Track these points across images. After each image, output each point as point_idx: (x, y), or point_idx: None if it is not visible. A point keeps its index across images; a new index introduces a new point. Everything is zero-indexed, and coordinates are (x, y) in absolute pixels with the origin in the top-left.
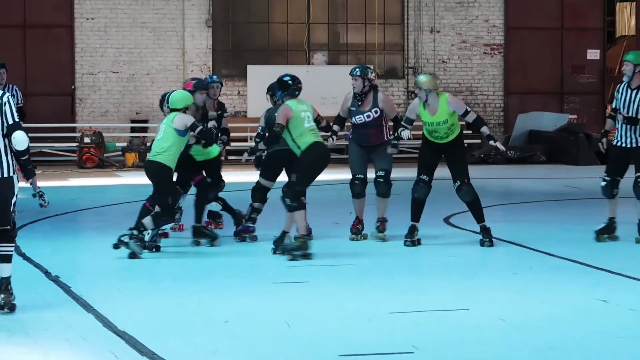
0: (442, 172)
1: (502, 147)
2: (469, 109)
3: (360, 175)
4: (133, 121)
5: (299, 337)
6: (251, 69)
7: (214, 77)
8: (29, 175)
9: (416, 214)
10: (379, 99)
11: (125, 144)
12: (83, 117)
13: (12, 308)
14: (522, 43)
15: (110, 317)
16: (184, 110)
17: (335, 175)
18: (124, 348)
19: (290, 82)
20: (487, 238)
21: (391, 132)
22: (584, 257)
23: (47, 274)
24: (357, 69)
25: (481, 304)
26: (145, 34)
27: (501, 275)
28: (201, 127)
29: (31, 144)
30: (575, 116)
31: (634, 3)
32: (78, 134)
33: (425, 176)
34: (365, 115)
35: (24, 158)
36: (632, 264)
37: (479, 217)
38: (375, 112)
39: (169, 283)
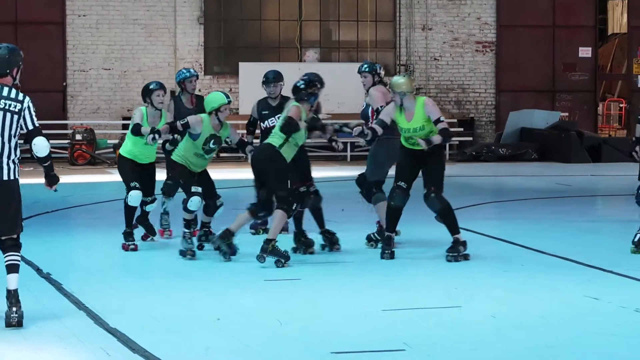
0: None
1: (424, 147)
2: (442, 119)
3: (361, 172)
4: (125, 118)
5: (291, 334)
6: (243, 66)
7: (191, 70)
8: (52, 181)
9: (393, 224)
10: (369, 92)
11: (116, 141)
12: (74, 114)
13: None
14: (514, 41)
15: (102, 315)
16: (216, 112)
17: (329, 172)
18: (115, 345)
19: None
20: (453, 253)
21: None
22: (575, 254)
23: (38, 271)
24: (366, 66)
25: (473, 302)
26: (137, 31)
27: (493, 272)
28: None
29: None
30: (566, 114)
31: (626, 1)
32: (69, 131)
33: (403, 183)
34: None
35: (46, 164)
36: (623, 261)
37: (452, 229)
38: (362, 105)
39: (160, 281)
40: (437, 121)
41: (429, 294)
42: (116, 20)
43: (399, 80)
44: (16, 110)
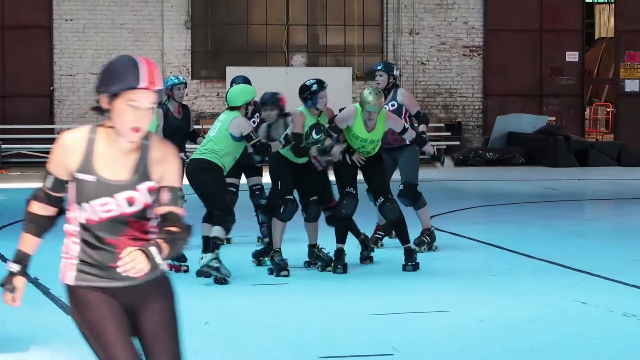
0: (421, 173)
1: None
2: (406, 126)
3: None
4: None
5: (279, 338)
6: (230, 70)
7: (179, 77)
8: None
9: (342, 235)
10: (398, 92)
11: None
12: (62, 119)
13: None
14: (501, 45)
15: None
16: (246, 106)
17: None
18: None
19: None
20: (410, 262)
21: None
22: (563, 258)
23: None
24: (382, 64)
25: (461, 306)
26: (124, 35)
27: (481, 277)
28: (256, 140)
29: (10, 146)
30: (554, 118)
31: (613, 5)
32: (56, 136)
33: (352, 189)
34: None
35: None
36: (610, 265)
37: (404, 238)
38: (392, 105)
39: None
40: (404, 130)
41: (416, 298)
42: (103, 24)
43: (372, 99)
44: None
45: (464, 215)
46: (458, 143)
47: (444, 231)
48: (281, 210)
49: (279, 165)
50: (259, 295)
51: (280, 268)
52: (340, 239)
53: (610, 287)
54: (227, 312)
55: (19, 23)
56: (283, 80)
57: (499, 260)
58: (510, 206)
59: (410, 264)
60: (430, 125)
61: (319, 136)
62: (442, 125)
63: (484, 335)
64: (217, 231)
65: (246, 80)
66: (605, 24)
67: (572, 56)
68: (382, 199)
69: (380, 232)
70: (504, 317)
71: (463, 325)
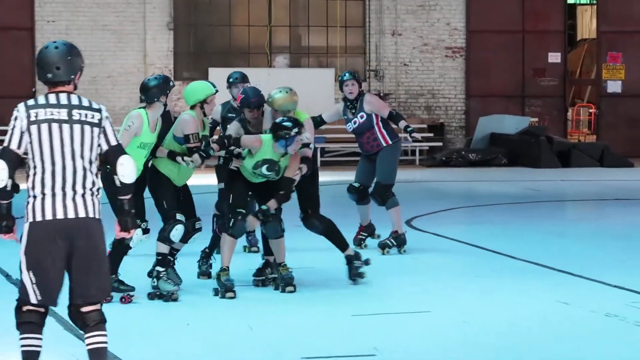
0: (400, 174)
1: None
2: (311, 146)
3: (354, 184)
4: None
5: (262, 340)
6: (213, 72)
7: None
8: (131, 224)
9: (339, 242)
10: (364, 101)
11: None
12: None
13: None
14: (483, 46)
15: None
16: (201, 105)
17: None
18: (85, 352)
19: None
20: (356, 275)
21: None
22: (545, 259)
23: (7, 277)
24: (350, 74)
25: (443, 307)
26: (107, 37)
27: (463, 277)
28: (196, 143)
29: None
30: (536, 119)
31: (595, 6)
32: None
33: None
34: (352, 122)
35: (126, 197)
36: (592, 266)
37: (340, 245)
38: (361, 117)
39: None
40: (306, 145)
41: (399, 299)
42: (85, 26)
43: (278, 95)
44: (95, 121)
45: (447, 216)
46: (441, 144)
47: (426, 232)
48: (231, 225)
49: (231, 177)
50: (241, 297)
51: (226, 289)
52: (340, 247)
53: (592, 288)
54: (209, 313)
55: (0, 24)
56: (266, 81)
57: (482, 261)
58: (492, 207)
59: (356, 275)
60: (412, 126)
61: (270, 173)
62: (425, 126)
63: (466, 336)
64: (161, 247)
65: (244, 77)
66: (587, 25)
67: (554, 57)
68: (303, 214)
69: (363, 233)
70: (487, 317)
71: (445, 326)
